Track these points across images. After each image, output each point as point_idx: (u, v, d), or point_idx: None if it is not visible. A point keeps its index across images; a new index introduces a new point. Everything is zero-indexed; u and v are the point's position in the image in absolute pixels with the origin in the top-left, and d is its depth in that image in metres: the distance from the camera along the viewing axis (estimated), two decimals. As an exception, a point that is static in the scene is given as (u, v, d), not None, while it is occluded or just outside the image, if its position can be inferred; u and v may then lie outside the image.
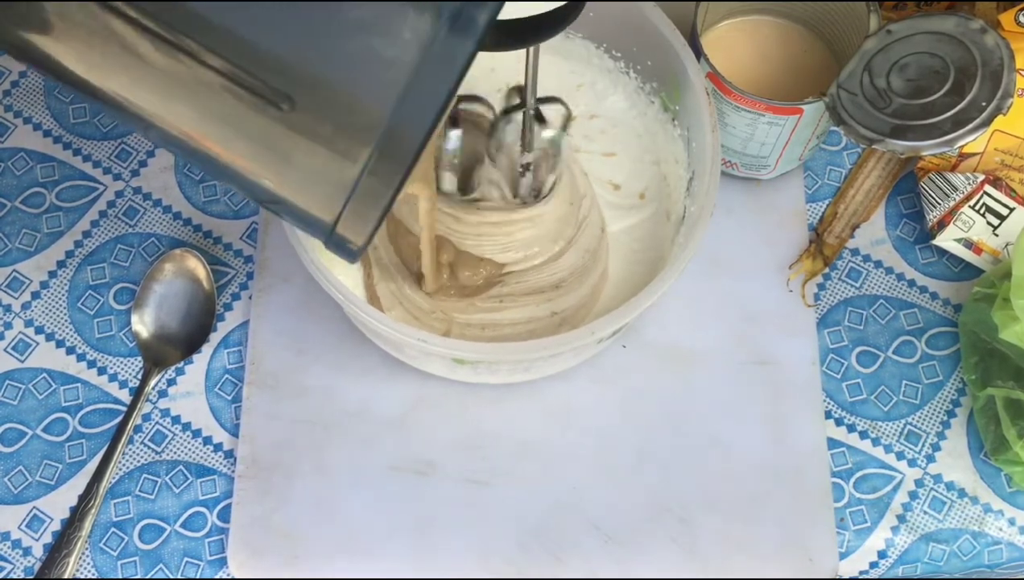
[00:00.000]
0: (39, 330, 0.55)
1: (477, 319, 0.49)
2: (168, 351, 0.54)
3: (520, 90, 0.45)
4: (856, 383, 0.54)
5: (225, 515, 0.51)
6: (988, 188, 0.53)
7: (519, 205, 0.50)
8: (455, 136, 0.46)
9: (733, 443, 0.52)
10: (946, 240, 0.54)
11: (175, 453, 0.53)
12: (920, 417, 0.53)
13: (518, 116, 0.46)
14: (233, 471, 0.52)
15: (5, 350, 0.55)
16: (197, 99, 0.26)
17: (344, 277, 0.50)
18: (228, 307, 0.56)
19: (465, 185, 0.50)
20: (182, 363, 0.54)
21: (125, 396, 0.54)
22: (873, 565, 0.51)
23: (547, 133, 0.47)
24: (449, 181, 0.49)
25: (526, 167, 0.48)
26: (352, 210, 0.26)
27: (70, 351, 0.55)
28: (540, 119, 0.46)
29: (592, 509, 0.51)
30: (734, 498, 0.51)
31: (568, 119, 0.48)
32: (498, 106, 0.48)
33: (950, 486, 0.52)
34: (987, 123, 0.45)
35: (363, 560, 0.50)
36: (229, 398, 0.54)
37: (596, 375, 0.53)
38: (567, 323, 0.50)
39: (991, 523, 0.51)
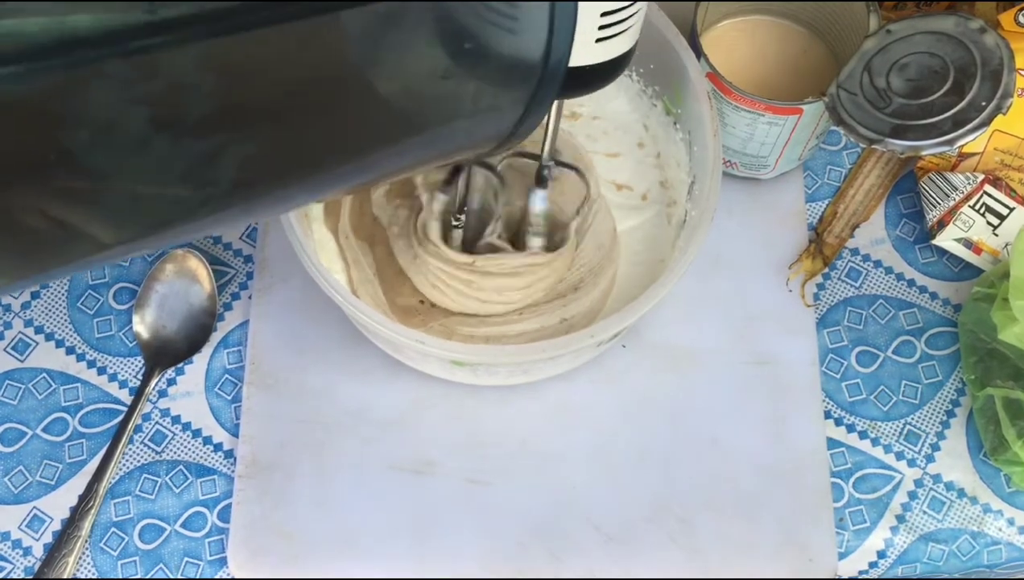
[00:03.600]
0: (39, 330, 0.55)
1: (483, 333, 0.49)
2: (169, 351, 0.54)
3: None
4: (855, 383, 0.54)
5: (225, 515, 0.51)
6: (988, 188, 0.53)
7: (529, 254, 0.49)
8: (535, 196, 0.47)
9: (733, 443, 0.52)
10: (946, 240, 0.54)
11: (175, 453, 0.53)
12: (919, 417, 0.53)
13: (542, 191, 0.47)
14: (233, 471, 0.52)
15: (5, 350, 0.55)
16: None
17: (342, 277, 0.50)
18: (228, 307, 0.56)
19: (473, 243, 0.50)
20: (182, 363, 0.54)
21: (125, 396, 0.54)
22: (872, 565, 0.51)
23: (539, 200, 0.47)
24: (458, 238, 0.49)
25: (536, 223, 0.48)
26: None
27: (70, 351, 0.55)
28: (541, 182, 0.46)
29: (592, 509, 0.51)
30: (734, 498, 0.51)
31: (585, 201, 0.48)
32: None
33: (949, 486, 0.52)
34: (987, 123, 0.45)
35: (363, 560, 0.50)
36: (229, 398, 0.54)
37: (596, 375, 0.53)
38: (574, 330, 0.50)
39: (990, 523, 0.52)
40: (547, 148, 0.44)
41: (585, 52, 0.33)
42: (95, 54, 0.19)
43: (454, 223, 0.48)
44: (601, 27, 0.33)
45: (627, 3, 0.33)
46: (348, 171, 0.29)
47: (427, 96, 0.28)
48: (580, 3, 0.30)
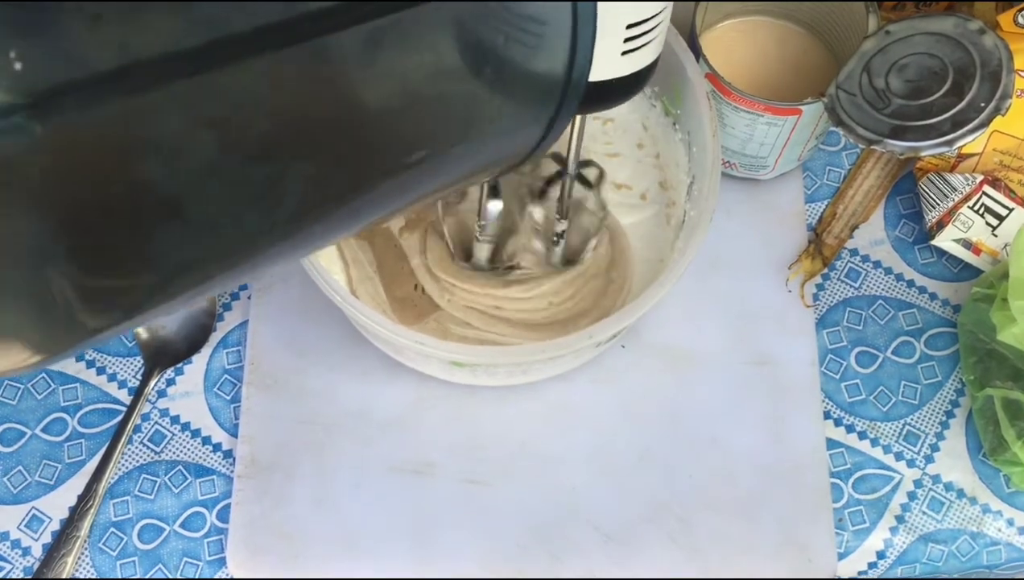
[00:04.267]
0: (38, 330, 0.55)
1: (474, 334, 0.49)
2: (168, 351, 0.54)
3: (558, 157, 0.45)
4: (855, 383, 0.54)
5: (224, 515, 0.51)
6: (987, 188, 0.53)
7: (555, 271, 0.50)
8: (494, 208, 0.47)
9: (732, 443, 0.52)
10: (945, 240, 0.54)
11: (174, 453, 0.53)
12: (919, 417, 0.53)
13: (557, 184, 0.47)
14: (232, 471, 0.52)
15: (4, 350, 0.55)
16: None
17: (341, 277, 0.50)
18: (227, 307, 0.56)
19: (496, 257, 0.50)
20: (181, 363, 0.54)
21: (124, 396, 0.54)
22: (872, 565, 0.51)
23: (587, 201, 0.47)
24: (484, 252, 0.49)
25: (560, 235, 0.48)
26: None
27: (69, 351, 0.55)
28: (585, 182, 0.46)
29: (591, 509, 0.51)
30: (733, 498, 0.51)
31: (601, 177, 0.48)
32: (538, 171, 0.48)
33: (949, 486, 0.52)
34: (986, 124, 0.45)
35: (362, 560, 0.50)
36: (228, 398, 0.54)
37: (596, 375, 0.53)
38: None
39: (990, 524, 0.52)
40: (572, 159, 0.44)
41: (611, 66, 0.33)
42: (157, 77, 0.19)
43: (477, 234, 0.48)
44: (627, 40, 0.33)
45: (652, 15, 0.33)
46: (393, 190, 0.29)
47: (462, 109, 0.28)
48: (606, 17, 0.30)
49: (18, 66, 0.17)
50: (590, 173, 0.48)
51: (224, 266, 0.25)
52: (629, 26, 0.32)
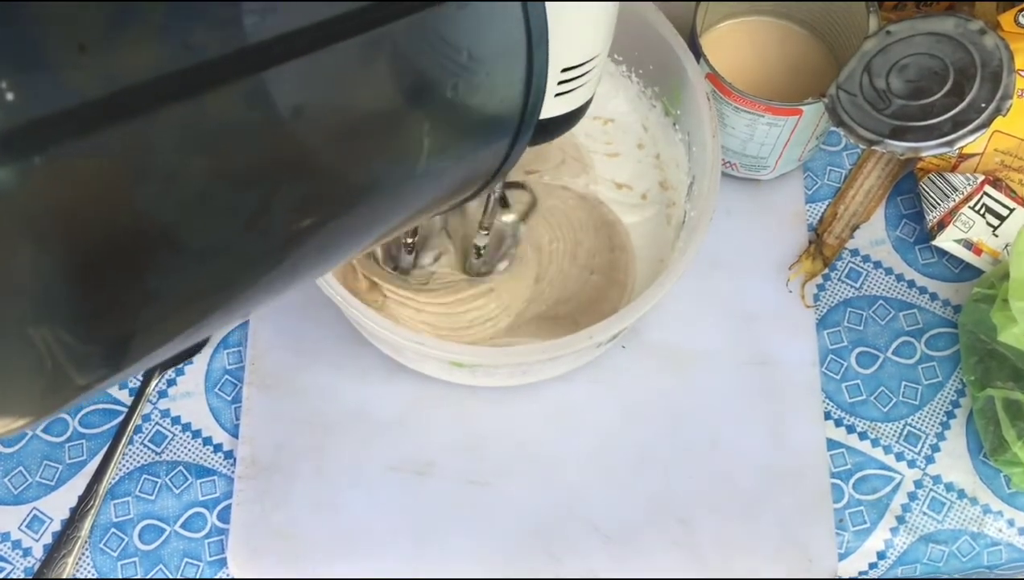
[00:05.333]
0: (39, 331, 0.55)
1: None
2: (168, 352, 0.54)
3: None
4: (855, 384, 0.54)
5: (225, 515, 0.51)
6: (988, 189, 0.53)
7: (471, 278, 0.50)
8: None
9: (733, 444, 0.52)
10: (946, 241, 0.54)
11: (175, 454, 0.53)
12: (919, 418, 0.53)
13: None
14: (233, 471, 0.52)
15: (5, 351, 0.55)
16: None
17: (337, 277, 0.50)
18: (228, 308, 0.56)
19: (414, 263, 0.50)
20: (182, 364, 0.54)
21: (125, 397, 0.54)
22: (872, 566, 0.51)
23: (507, 218, 0.48)
24: (407, 257, 0.49)
25: (479, 249, 0.48)
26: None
27: (70, 352, 0.55)
28: (504, 203, 0.47)
29: (592, 509, 0.51)
30: (733, 499, 0.51)
31: (531, 207, 0.48)
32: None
33: (949, 487, 0.52)
34: (986, 124, 0.45)
35: (362, 560, 0.50)
36: (229, 399, 0.54)
37: (596, 376, 0.53)
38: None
39: (990, 524, 0.51)
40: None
41: (544, 107, 0.34)
42: (144, 103, 0.19)
43: (407, 241, 0.48)
44: (560, 82, 0.33)
45: (587, 59, 0.33)
46: (380, 210, 0.29)
47: (432, 132, 0.28)
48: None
49: (10, 97, 0.16)
50: (521, 197, 0.48)
51: (221, 299, 0.24)
52: (564, 70, 0.33)
